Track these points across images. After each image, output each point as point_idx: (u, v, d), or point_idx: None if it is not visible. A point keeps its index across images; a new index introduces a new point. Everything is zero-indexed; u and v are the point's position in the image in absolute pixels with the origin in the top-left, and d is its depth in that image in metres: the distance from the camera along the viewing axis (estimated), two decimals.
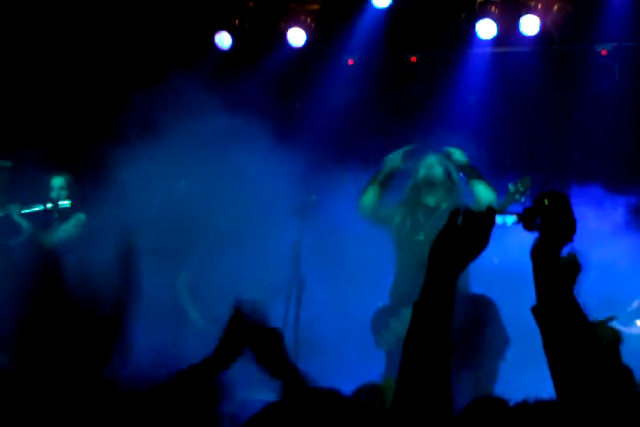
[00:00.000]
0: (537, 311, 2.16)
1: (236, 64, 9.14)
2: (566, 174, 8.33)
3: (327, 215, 7.28)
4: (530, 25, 8.57)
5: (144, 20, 9.03)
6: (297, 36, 9.00)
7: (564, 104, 8.92)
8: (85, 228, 7.70)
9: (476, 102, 9.06)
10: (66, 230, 7.70)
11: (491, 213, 2.19)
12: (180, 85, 7.79)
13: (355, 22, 8.84)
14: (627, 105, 8.60)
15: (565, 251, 2.24)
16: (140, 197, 7.32)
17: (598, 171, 8.38)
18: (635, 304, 7.58)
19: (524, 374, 6.07)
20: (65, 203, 7.75)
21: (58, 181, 7.82)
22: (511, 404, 2.22)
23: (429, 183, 6.75)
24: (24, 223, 7.70)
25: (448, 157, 6.73)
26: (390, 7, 8.73)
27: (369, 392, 3.95)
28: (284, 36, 9.01)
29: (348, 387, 3.50)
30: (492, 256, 7.15)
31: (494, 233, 2.18)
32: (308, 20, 8.99)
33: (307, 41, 9.03)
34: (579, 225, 2.22)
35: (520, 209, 2.26)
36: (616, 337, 3.51)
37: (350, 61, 9.27)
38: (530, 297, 2.20)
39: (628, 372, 3.72)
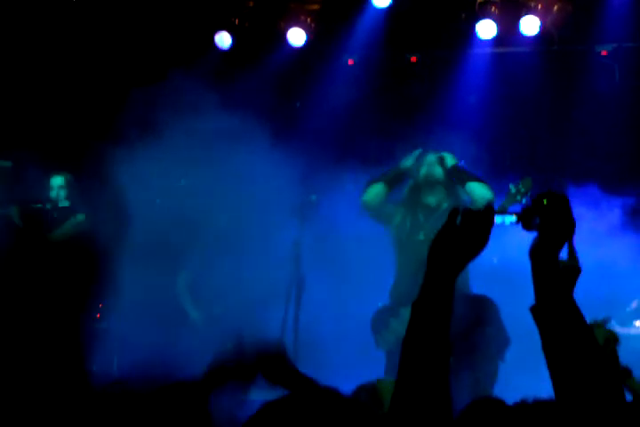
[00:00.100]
0: (535, 311, 2.17)
1: (236, 64, 9.14)
2: (566, 174, 8.33)
3: (327, 215, 7.28)
4: (530, 25, 8.57)
5: (144, 20, 9.03)
6: (297, 36, 9.00)
7: (564, 104, 8.92)
8: (83, 228, 7.71)
9: (476, 102, 9.06)
10: (65, 230, 7.71)
11: (489, 212, 2.19)
12: (180, 85, 7.79)
13: (355, 22, 8.84)
14: (627, 105, 8.61)
15: (564, 252, 2.24)
16: (139, 197, 7.32)
17: (598, 171, 8.38)
18: (633, 305, 7.58)
19: (523, 374, 6.08)
20: (64, 202, 7.75)
21: (57, 181, 7.82)
22: (510, 404, 2.22)
23: (430, 183, 6.76)
24: (23, 224, 7.71)
25: (441, 161, 6.73)
26: (390, 7, 8.73)
27: (369, 392, 3.94)
28: (284, 35, 9.02)
29: (347, 387, 3.50)
30: (491, 256, 7.15)
31: (493, 233, 2.18)
32: (308, 19, 9.00)
33: (307, 41, 9.03)
34: (578, 225, 2.22)
35: (520, 209, 2.26)
36: (612, 338, 3.51)
37: (350, 61, 9.27)
38: (528, 297, 2.20)
39: (627, 372, 3.72)
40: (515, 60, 8.96)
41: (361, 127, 9.18)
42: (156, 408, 2.94)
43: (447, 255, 2.14)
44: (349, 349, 7.47)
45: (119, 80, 8.83)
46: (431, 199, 6.77)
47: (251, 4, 9.17)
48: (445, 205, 6.67)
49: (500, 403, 2.44)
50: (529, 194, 6.32)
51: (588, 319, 2.18)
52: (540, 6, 8.56)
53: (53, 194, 7.79)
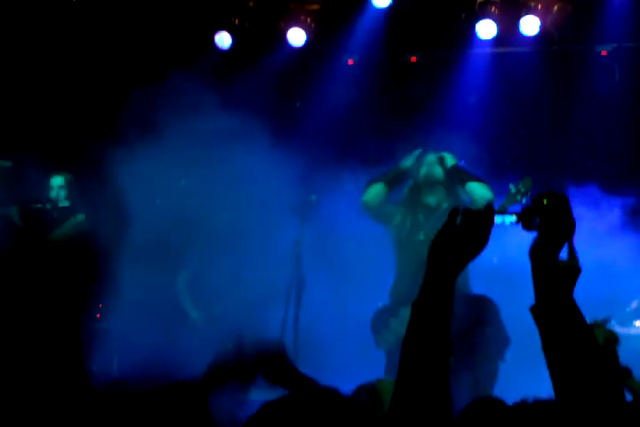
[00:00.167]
0: (535, 311, 2.17)
1: (236, 64, 9.14)
2: (566, 174, 8.33)
3: (327, 215, 7.28)
4: (530, 25, 8.57)
5: (144, 20, 9.03)
6: (297, 36, 9.00)
7: (564, 104, 8.92)
8: (84, 228, 7.71)
9: (476, 102, 9.06)
10: (65, 230, 7.71)
11: (489, 212, 2.19)
12: (180, 85, 7.79)
13: (355, 22, 8.84)
14: (627, 105, 8.61)
15: (565, 252, 2.25)
16: (139, 197, 7.32)
17: (598, 171, 8.38)
18: (633, 305, 7.57)
19: (523, 374, 6.08)
20: (64, 202, 7.76)
21: (57, 181, 7.83)
22: (510, 404, 2.22)
23: (430, 183, 6.75)
24: (23, 224, 7.71)
25: (441, 161, 6.73)
26: (390, 7, 8.73)
27: (369, 392, 3.94)
28: (284, 35, 9.01)
29: (347, 387, 3.50)
30: (491, 256, 7.15)
31: (493, 233, 2.18)
32: (308, 19, 8.99)
33: (307, 41, 9.03)
34: (578, 225, 2.22)
35: (520, 209, 2.26)
36: (611, 338, 3.50)
37: (350, 61, 9.27)
38: (528, 297, 2.20)
39: (627, 372, 3.72)
40: (515, 60, 8.96)
41: (361, 127, 9.18)
42: (156, 408, 2.94)
43: (447, 255, 2.14)
44: (349, 349, 7.47)
45: (119, 80, 8.83)
46: (431, 199, 6.77)
47: (251, 3, 9.16)
48: (445, 205, 6.67)
49: (499, 403, 2.44)
50: (529, 194, 6.32)
51: (588, 319, 2.18)
52: (540, 6, 8.56)
53: (53, 194, 7.79)
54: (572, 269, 2.25)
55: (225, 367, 2.96)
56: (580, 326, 2.12)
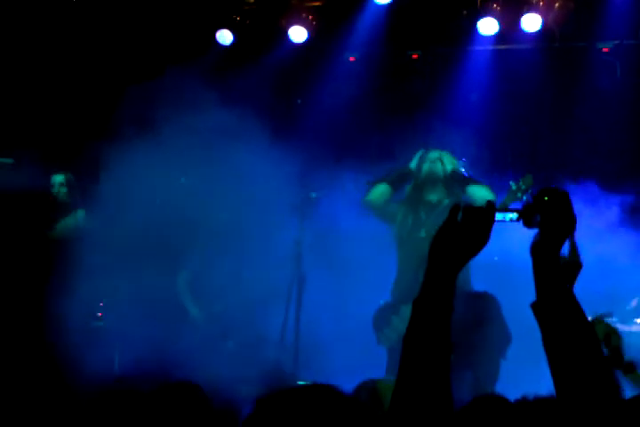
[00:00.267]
0: (536, 308, 2.16)
1: (237, 61, 9.13)
2: (567, 171, 8.32)
3: (327, 213, 7.27)
4: (531, 22, 8.55)
5: (146, 17, 9.02)
6: (298, 33, 8.99)
7: (566, 101, 8.90)
8: (84, 225, 7.72)
9: (477, 100, 9.04)
10: (64, 227, 7.71)
11: (490, 209, 2.18)
12: (182, 83, 7.78)
13: (356, 19, 8.82)
14: (628, 102, 8.59)
15: (566, 248, 2.24)
16: (140, 195, 7.31)
17: (599, 168, 8.37)
18: (633, 303, 7.56)
19: (524, 371, 6.07)
20: (65, 199, 7.77)
21: (58, 178, 7.85)
22: (511, 401, 2.22)
23: (432, 180, 6.76)
24: (23, 221, 7.71)
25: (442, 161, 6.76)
26: (391, 4, 8.72)
27: (369, 390, 3.94)
28: (285, 32, 9.00)
29: (348, 386, 3.49)
30: (492, 253, 7.14)
31: (494, 230, 2.18)
32: (309, 16, 8.98)
33: (308, 38, 9.02)
34: (578, 222, 2.22)
35: (521, 206, 2.26)
36: (611, 333, 3.50)
37: (351, 58, 9.26)
38: (530, 294, 2.19)
39: (630, 367, 3.72)
40: (516, 58, 8.94)
41: (362, 124, 9.17)
42: (158, 406, 2.94)
43: (448, 252, 2.14)
44: (350, 347, 7.46)
45: (120, 78, 8.82)
46: (433, 196, 6.78)
47: (252, 0, 9.16)
48: (447, 202, 6.68)
49: (500, 400, 2.44)
50: (529, 191, 6.32)
51: (589, 316, 2.18)
52: (541, 3, 8.54)
53: (54, 191, 7.80)
54: (574, 265, 2.25)
55: None
56: (580, 322, 2.12)
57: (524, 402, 2.25)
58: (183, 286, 7.65)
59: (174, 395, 3.28)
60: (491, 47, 8.98)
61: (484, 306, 6.27)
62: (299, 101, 9.40)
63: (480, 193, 6.54)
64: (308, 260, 6.88)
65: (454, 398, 2.05)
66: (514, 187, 6.38)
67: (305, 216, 6.88)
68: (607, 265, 7.11)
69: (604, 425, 2.00)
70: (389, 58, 9.27)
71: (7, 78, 8.98)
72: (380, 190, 6.83)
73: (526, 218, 2.23)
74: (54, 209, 7.74)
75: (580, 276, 2.23)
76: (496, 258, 7.13)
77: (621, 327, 6.79)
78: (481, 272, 6.40)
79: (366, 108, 9.14)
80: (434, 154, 6.84)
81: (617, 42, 8.58)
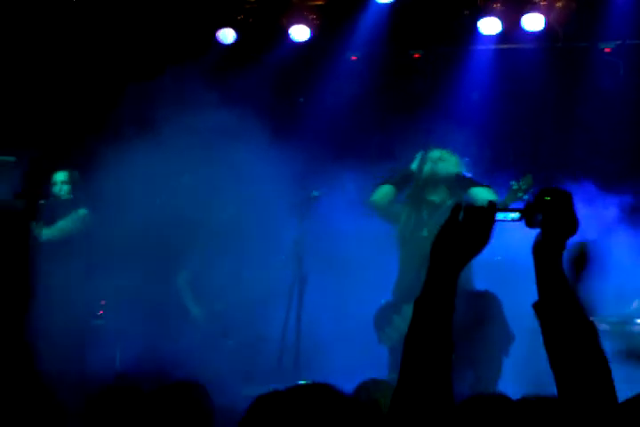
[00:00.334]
0: (538, 307, 2.16)
1: (239, 60, 9.13)
2: (569, 171, 8.31)
3: (329, 212, 7.27)
4: (534, 22, 8.54)
5: (148, 15, 9.02)
6: (300, 32, 8.98)
7: (568, 101, 8.89)
8: (86, 223, 7.71)
9: (479, 99, 9.03)
10: (64, 225, 7.71)
11: (492, 208, 2.18)
12: (183, 81, 7.78)
13: (358, 18, 8.82)
14: (631, 102, 8.58)
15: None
16: (140, 195, 7.31)
17: (602, 168, 8.36)
18: (634, 305, 7.54)
19: (525, 371, 6.07)
20: (67, 197, 7.76)
21: (60, 176, 7.84)
22: (512, 400, 2.22)
23: (434, 181, 6.76)
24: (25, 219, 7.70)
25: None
26: (393, 3, 8.71)
27: (369, 390, 3.94)
28: (287, 31, 8.99)
29: (348, 386, 3.49)
30: (494, 253, 7.14)
31: (496, 229, 2.18)
32: (312, 15, 8.97)
33: (310, 37, 9.01)
34: (580, 222, 2.21)
35: (522, 206, 2.25)
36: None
37: (353, 57, 9.25)
38: (531, 293, 2.19)
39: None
40: (518, 57, 8.93)
41: (364, 123, 9.16)
42: (160, 404, 2.94)
43: (449, 252, 2.14)
44: (350, 347, 7.46)
45: (121, 77, 8.81)
46: (435, 197, 6.78)
47: None
48: (449, 202, 6.67)
49: (501, 398, 2.43)
50: (530, 191, 6.31)
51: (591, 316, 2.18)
52: (543, 3, 8.53)
53: (56, 189, 7.80)
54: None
55: None
56: (582, 322, 2.12)
57: (525, 402, 2.25)
58: (184, 285, 7.65)
59: (177, 394, 3.28)
60: (493, 47, 8.97)
61: (485, 305, 6.27)
62: (301, 100, 9.39)
63: (482, 195, 6.54)
64: (308, 260, 6.87)
65: (455, 398, 2.05)
66: (515, 186, 6.37)
67: (306, 215, 6.87)
68: (609, 266, 7.09)
69: (604, 425, 1.99)
70: (391, 57, 9.27)
71: (9, 77, 8.98)
72: (385, 191, 6.84)
73: (528, 217, 2.23)
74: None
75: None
76: (498, 258, 7.13)
77: (623, 328, 6.81)
78: (483, 272, 6.39)
79: (368, 107, 9.13)
80: (436, 153, 6.83)
81: (619, 42, 8.57)
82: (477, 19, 8.67)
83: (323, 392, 1.86)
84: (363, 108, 9.11)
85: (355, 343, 7.30)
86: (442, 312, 2.08)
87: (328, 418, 1.81)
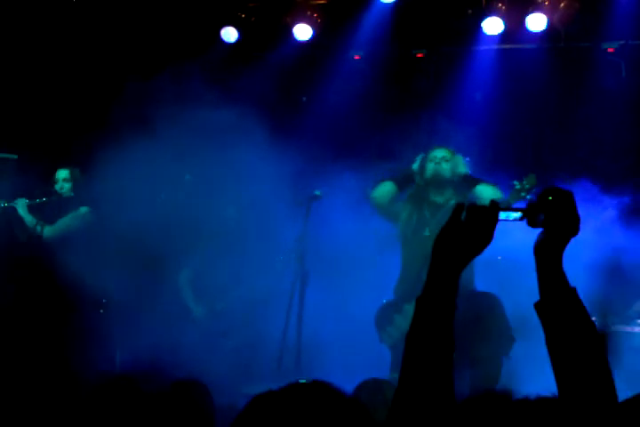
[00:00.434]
0: (539, 307, 2.16)
1: (242, 58, 9.13)
2: (571, 171, 8.30)
3: (330, 211, 7.27)
4: (537, 22, 8.53)
5: (152, 14, 9.02)
6: (303, 31, 8.97)
7: (571, 101, 8.88)
8: (87, 221, 7.72)
9: (481, 99, 9.03)
10: (64, 223, 7.72)
11: (494, 208, 2.18)
12: (186, 79, 7.78)
13: (361, 17, 8.81)
14: (633, 102, 8.58)
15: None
16: (142, 193, 7.31)
17: (604, 168, 8.36)
18: (635, 307, 7.53)
19: (526, 370, 6.07)
20: (69, 195, 7.77)
21: (62, 174, 7.85)
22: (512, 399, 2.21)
23: (437, 181, 6.75)
24: (28, 218, 7.72)
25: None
26: (397, 2, 8.71)
27: (370, 389, 3.94)
28: (290, 30, 8.99)
29: (349, 385, 3.49)
30: (496, 252, 7.14)
31: (498, 229, 2.17)
32: (315, 14, 8.97)
33: (313, 36, 9.00)
34: (583, 222, 2.21)
35: (524, 205, 2.25)
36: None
37: (356, 57, 9.25)
38: (533, 293, 2.19)
39: None
40: (521, 57, 8.92)
41: (366, 123, 9.16)
42: (159, 403, 2.94)
43: (451, 251, 2.13)
44: (351, 347, 7.45)
45: (124, 76, 8.81)
46: (439, 198, 6.77)
47: None
48: (453, 202, 6.67)
49: (501, 397, 2.43)
50: (533, 190, 6.31)
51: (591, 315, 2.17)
52: (546, 3, 8.52)
53: (57, 187, 7.81)
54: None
55: None
56: (584, 322, 2.11)
57: (525, 401, 2.24)
58: (185, 284, 7.65)
59: (177, 393, 3.28)
60: (496, 47, 8.97)
61: (486, 305, 6.27)
62: (304, 99, 9.39)
63: (488, 191, 6.54)
64: (308, 259, 6.87)
65: (456, 395, 2.05)
66: (518, 186, 6.37)
67: (308, 214, 6.87)
68: (609, 266, 7.10)
69: (604, 425, 1.99)
70: (394, 57, 9.26)
71: (11, 75, 8.98)
72: (386, 188, 6.84)
73: (530, 217, 2.22)
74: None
75: (581, 277, 2.23)
76: (499, 257, 7.13)
77: (624, 329, 6.80)
78: (484, 271, 6.39)
79: (371, 106, 9.13)
80: (439, 153, 6.82)
81: (622, 42, 8.56)
82: (481, 18, 8.66)
83: (320, 391, 1.85)
84: (365, 108, 9.11)
85: (355, 343, 7.29)
86: (443, 311, 2.08)
87: (326, 417, 1.81)
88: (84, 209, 7.78)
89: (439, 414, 1.99)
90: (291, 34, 9.00)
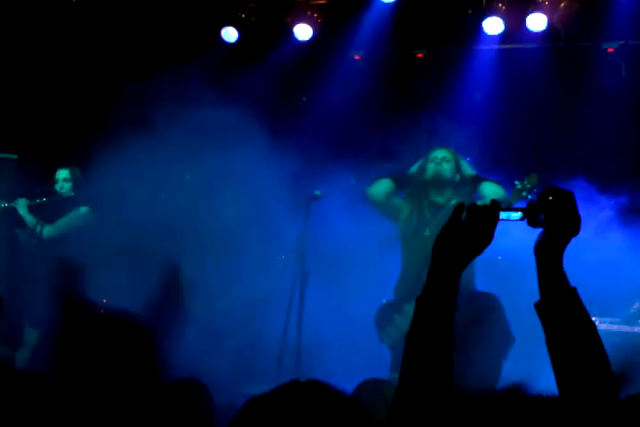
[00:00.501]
0: (540, 307, 2.15)
1: (242, 58, 9.13)
2: (572, 171, 8.30)
3: (330, 211, 7.27)
4: (537, 22, 8.53)
5: (152, 14, 9.02)
6: (303, 31, 8.97)
7: (571, 101, 8.88)
8: (87, 221, 7.72)
9: (482, 99, 9.03)
10: (64, 223, 7.72)
11: (495, 207, 2.17)
12: (186, 79, 7.78)
13: (361, 17, 8.81)
14: (633, 102, 8.58)
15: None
16: (142, 193, 7.31)
17: (604, 168, 8.35)
18: (635, 306, 7.52)
19: (526, 371, 6.05)
20: (69, 195, 7.77)
21: (62, 174, 7.85)
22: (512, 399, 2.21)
23: (438, 182, 6.75)
24: (28, 218, 7.72)
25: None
26: (397, 2, 8.70)
27: (370, 389, 3.93)
28: (291, 30, 8.99)
29: (349, 385, 3.48)
30: (496, 253, 7.13)
31: (498, 229, 2.17)
32: (315, 14, 8.96)
33: (313, 36, 9.00)
34: (583, 222, 2.20)
35: (525, 205, 2.24)
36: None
37: (357, 56, 9.25)
38: (533, 293, 2.18)
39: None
40: (521, 57, 8.92)
41: (366, 122, 9.16)
42: (160, 403, 2.93)
43: (451, 251, 2.13)
44: (351, 347, 7.45)
45: (124, 76, 8.81)
46: (440, 198, 6.77)
47: None
48: (453, 202, 6.67)
49: (503, 397, 2.42)
50: (534, 190, 6.31)
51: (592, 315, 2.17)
52: (547, 3, 8.52)
53: (57, 186, 7.81)
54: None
55: None
56: (584, 322, 2.11)
57: (526, 402, 2.24)
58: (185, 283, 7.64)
59: (177, 393, 3.28)
60: (496, 46, 8.97)
61: (486, 305, 6.26)
62: (304, 99, 9.39)
63: (491, 189, 6.54)
64: (308, 259, 6.87)
65: (455, 395, 2.05)
66: (519, 186, 6.37)
67: (308, 214, 6.87)
68: (610, 266, 7.10)
69: (605, 424, 1.99)
70: (394, 56, 9.25)
71: (11, 75, 8.98)
72: (383, 184, 6.85)
73: (531, 217, 2.22)
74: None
75: (582, 277, 2.23)
76: (499, 257, 7.12)
77: (624, 329, 6.79)
78: (484, 271, 6.39)
79: (371, 106, 9.13)
80: (439, 153, 6.82)
81: (622, 42, 8.56)
82: (481, 18, 8.66)
83: (318, 391, 1.85)
84: (365, 108, 9.10)
85: (355, 343, 7.29)
86: (443, 311, 2.08)
87: (325, 417, 1.80)
88: (84, 209, 7.78)
89: (439, 414, 1.99)
90: (291, 34, 8.99)
